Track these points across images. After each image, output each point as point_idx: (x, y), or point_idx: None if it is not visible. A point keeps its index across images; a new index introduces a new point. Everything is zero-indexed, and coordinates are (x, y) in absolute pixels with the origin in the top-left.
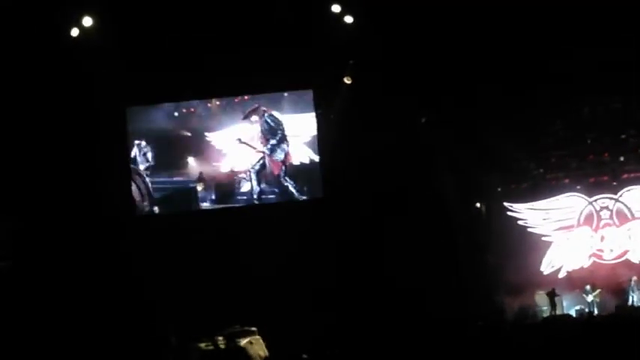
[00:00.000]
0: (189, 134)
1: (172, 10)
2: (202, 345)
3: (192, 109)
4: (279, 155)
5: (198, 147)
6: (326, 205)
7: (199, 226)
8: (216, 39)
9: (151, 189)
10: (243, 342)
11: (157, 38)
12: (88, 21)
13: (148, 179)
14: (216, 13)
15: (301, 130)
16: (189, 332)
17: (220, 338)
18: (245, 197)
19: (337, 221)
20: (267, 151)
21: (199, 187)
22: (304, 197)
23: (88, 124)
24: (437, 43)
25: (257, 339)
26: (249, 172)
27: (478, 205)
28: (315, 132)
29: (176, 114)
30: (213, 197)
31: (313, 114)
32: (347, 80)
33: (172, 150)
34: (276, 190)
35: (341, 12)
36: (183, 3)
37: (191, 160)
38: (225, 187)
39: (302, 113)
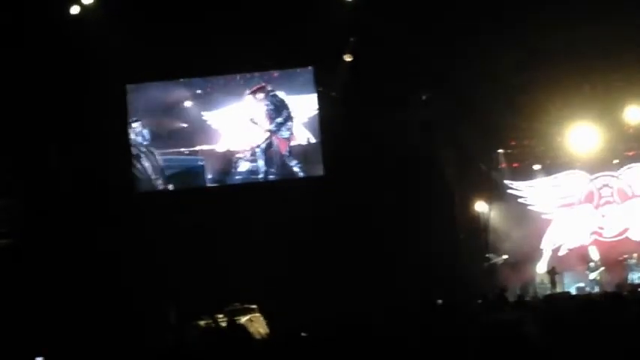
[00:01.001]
0: (185, 113)
1: None
2: (202, 322)
3: (190, 88)
4: (285, 133)
5: (195, 126)
6: (328, 183)
7: (203, 204)
8: (218, 16)
9: (163, 166)
10: (244, 319)
11: (158, 15)
12: None
13: (159, 157)
14: None
15: (300, 111)
16: (189, 310)
17: (220, 316)
18: (241, 177)
19: (339, 198)
20: (273, 129)
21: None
22: (307, 175)
23: (90, 101)
24: (438, 19)
25: (257, 317)
26: (255, 150)
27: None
28: (312, 113)
29: (173, 92)
30: (210, 176)
31: (312, 94)
32: (347, 58)
33: (168, 129)
34: (280, 168)
35: None
36: None
37: (188, 140)
38: (223, 166)
39: (300, 94)
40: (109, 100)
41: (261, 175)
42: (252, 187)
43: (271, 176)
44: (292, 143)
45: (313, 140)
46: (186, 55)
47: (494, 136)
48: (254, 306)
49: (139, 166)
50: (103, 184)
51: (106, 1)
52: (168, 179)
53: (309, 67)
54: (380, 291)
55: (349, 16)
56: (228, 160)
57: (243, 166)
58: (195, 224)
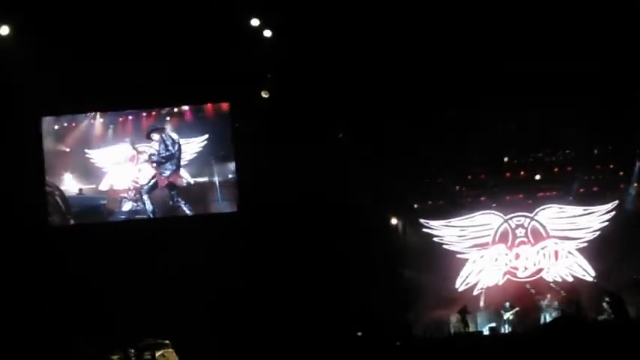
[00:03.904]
0: (67, 149)
1: (87, 19)
2: (115, 357)
3: (74, 124)
4: (168, 175)
5: (77, 163)
6: (240, 219)
7: (109, 239)
8: (133, 50)
9: (68, 203)
10: (157, 354)
11: (75, 48)
12: (4, 30)
13: (64, 193)
14: (134, 22)
15: (185, 152)
16: (101, 344)
17: (132, 350)
18: (124, 217)
19: (250, 234)
20: (159, 171)
21: None
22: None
23: (5, 134)
24: (354, 59)
25: (170, 352)
26: (141, 190)
27: (394, 221)
28: (192, 156)
29: (56, 127)
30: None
31: (198, 137)
32: (264, 94)
33: (47, 165)
34: (165, 208)
35: (260, 25)
36: (97, 12)
37: (68, 177)
38: (107, 205)
39: (187, 137)
40: (26, 133)
41: (148, 215)
42: (157, 221)
43: (159, 215)
44: (179, 183)
45: (192, 181)
46: (101, 89)
47: (411, 174)
48: (167, 341)
49: (51, 200)
50: (16, 216)
51: (24, 33)
52: (74, 216)
53: (200, 107)
54: (290, 328)
55: (267, 53)
56: (112, 200)
57: (126, 206)
58: (103, 259)
